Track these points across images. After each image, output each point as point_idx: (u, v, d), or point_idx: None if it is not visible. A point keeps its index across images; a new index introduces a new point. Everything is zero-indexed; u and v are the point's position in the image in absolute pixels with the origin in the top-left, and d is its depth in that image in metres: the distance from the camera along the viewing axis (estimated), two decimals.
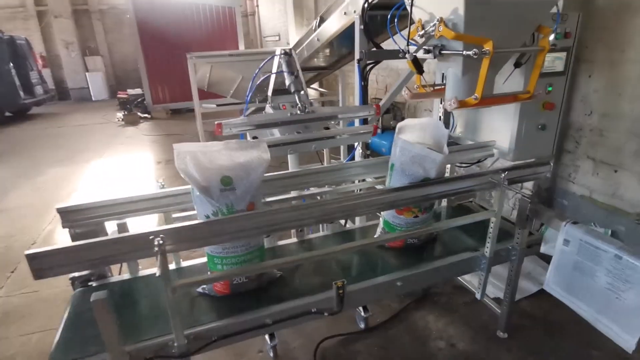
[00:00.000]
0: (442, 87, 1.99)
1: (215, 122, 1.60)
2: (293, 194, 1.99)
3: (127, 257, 1.33)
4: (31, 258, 1.17)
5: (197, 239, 1.32)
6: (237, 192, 1.39)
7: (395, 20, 1.83)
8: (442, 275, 1.93)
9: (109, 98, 12.09)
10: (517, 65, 1.90)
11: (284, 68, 1.82)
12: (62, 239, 3.48)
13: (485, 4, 1.50)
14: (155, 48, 8.65)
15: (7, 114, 9.19)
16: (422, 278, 1.81)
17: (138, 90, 10.11)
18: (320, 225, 2.23)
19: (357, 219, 2.49)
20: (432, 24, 1.63)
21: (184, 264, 1.86)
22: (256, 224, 1.39)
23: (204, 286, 1.59)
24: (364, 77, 2.22)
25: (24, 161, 5.91)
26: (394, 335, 2.21)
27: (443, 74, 2.36)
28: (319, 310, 1.59)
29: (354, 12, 2.27)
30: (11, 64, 8.73)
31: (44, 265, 1.20)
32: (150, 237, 1.23)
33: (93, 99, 12.03)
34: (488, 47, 1.50)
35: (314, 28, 3.03)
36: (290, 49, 1.88)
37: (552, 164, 1.94)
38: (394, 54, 2.13)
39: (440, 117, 2.53)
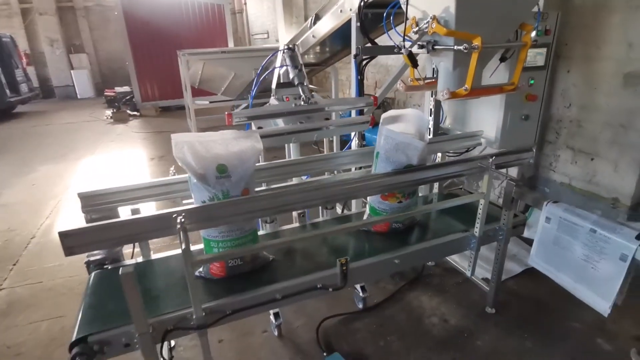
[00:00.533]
0: (434, 80, 2.14)
1: (226, 113, 1.70)
2: (294, 180, 2.11)
3: (152, 235, 1.43)
4: (64, 236, 1.26)
5: (216, 217, 1.43)
6: (232, 179, 1.48)
7: (391, 17, 1.97)
8: (436, 253, 2.08)
9: (94, 96, 11.95)
10: (502, 59, 2.05)
11: (288, 62, 1.93)
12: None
13: (474, 2, 1.65)
14: (144, 45, 8.63)
15: None
16: (418, 256, 1.95)
17: (126, 88, 10.05)
18: (320, 211, 2.35)
19: (354, 206, 2.62)
20: (425, 22, 1.77)
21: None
22: (269, 204, 1.51)
23: (201, 269, 1.67)
24: (360, 72, 2.35)
25: (14, 159, 5.87)
26: (390, 314, 2.36)
27: (434, 68, 2.52)
28: (324, 285, 1.72)
29: (350, 10, 2.40)
30: None
31: (75, 242, 1.28)
32: (174, 216, 1.34)
33: (78, 96, 11.87)
34: (477, 42, 1.65)
35: (309, 25, 3.15)
36: (294, 45, 2.00)
37: (534, 150, 2.11)
38: (389, 50, 2.27)
39: (431, 109, 2.68)
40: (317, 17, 3.06)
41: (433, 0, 1.73)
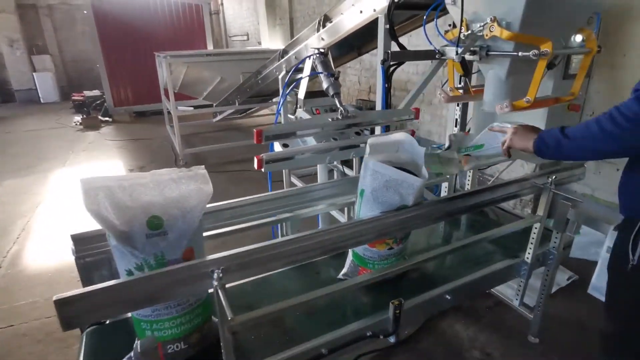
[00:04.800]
0: (480, 89, 1.93)
1: (255, 130, 1.41)
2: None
3: (177, 295, 1.11)
4: (61, 304, 0.93)
5: (259, 264, 1.14)
6: (169, 236, 1.11)
7: (435, 19, 1.74)
8: (486, 284, 1.87)
9: (60, 100, 11.15)
10: (550, 66, 1.87)
11: (320, 69, 1.66)
12: (33, 261, 3.09)
13: (546, 3, 1.44)
14: (116, 46, 8.08)
15: None
16: (469, 288, 1.72)
17: (96, 92, 9.42)
18: None
19: None
20: (481, 24, 1.55)
21: None
22: (314, 246, 1.24)
23: (131, 355, 1.25)
24: (387, 79, 2.11)
25: None
26: (426, 348, 2.12)
27: (461, 77, 2.30)
28: (374, 333, 1.47)
29: (374, 10, 2.16)
30: None
31: (77, 311, 0.96)
32: (210, 270, 1.04)
33: (42, 101, 11.04)
34: (547, 47, 1.44)
35: (317, 27, 2.89)
36: (327, 48, 1.73)
37: (585, 166, 1.94)
38: (424, 55, 2.05)
39: (456, 119, 2.47)
40: (327, 19, 2.80)
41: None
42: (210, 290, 1.09)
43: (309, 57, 1.70)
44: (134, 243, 1.09)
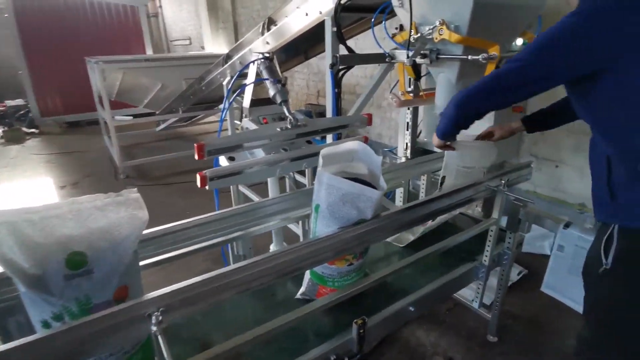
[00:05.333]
0: (432, 92, 1.91)
1: (195, 145, 1.25)
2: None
3: (109, 344, 0.94)
4: None
5: (207, 297, 0.99)
6: (95, 275, 0.94)
7: (383, 22, 1.69)
8: (447, 290, 1.84)
9: None
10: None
11: (266, 75, 1.54)
12: None
13: (490, 8, 1.43)
14: (42, 51, 7.37)
15: None
16: (431, 297, 1.69)
17: (19, 101, 8.51)
18: None
19: None
20: (430, 27, 1.52)
21: None
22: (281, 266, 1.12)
23: None
24: (337, 84, 2.03)
25: None
26: (391, 359, 2.07)
27: (411, 80, 2.29)
28: (338, 356, 1.37)
29: (320, 12, 2.08)
30: None
31: None
32: (147, 312, 0.88)
33: None
34: (494, 51, 1.44)
35: (261, 31, 2.76)
36: (272, 53, 1.61)
37: (532, 166, 1.99)
38: (374, 58, 2.00)
39: (407, 122, 2.46)
40: (272, 22, 2.68)
41: (439, 3, 1.49)
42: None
43: (253, 62, 1.57)
44: (48, 288, 0.90)
